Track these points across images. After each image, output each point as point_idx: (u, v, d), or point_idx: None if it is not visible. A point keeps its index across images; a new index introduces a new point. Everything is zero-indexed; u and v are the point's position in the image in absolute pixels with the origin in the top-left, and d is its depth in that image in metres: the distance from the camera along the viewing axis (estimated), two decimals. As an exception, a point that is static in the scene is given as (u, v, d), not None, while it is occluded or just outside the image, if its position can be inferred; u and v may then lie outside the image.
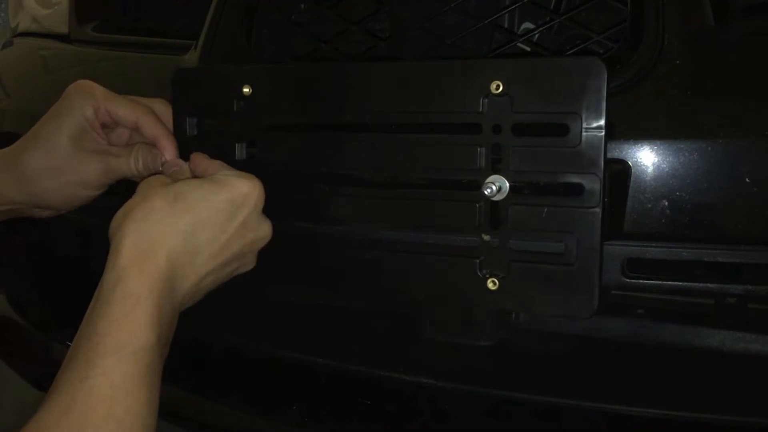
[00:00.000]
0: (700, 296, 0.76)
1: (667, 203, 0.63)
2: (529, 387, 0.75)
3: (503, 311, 0.80)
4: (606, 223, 0.58)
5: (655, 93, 0.64)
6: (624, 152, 0.63)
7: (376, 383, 0.81)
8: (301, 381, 0.85)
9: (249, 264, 0.66)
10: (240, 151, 0.71)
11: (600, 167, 0.57)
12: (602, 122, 0.57)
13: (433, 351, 0.83)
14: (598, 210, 0.58)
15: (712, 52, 0.64)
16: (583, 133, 0.57)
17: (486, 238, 0.62)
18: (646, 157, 0.63)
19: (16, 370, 1.13)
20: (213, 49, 0.85)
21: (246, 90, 0.69)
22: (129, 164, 0.70)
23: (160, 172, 0.70)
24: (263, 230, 0.64)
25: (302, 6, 0.88)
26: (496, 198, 0.61)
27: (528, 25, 0.79)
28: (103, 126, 0.72)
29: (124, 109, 0.70)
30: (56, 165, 0.70)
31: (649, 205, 0.63)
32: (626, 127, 0.63)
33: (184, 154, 0.71)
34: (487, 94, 0.60)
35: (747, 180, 0.60)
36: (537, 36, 0.77)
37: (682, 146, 0.62)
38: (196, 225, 0.59)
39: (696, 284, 0.67)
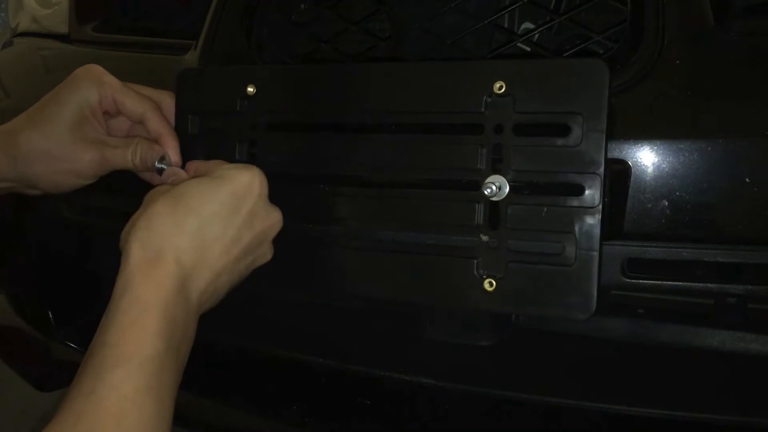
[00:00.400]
0: (700, 296, 0.76)
1: (667, 203, 0.63)
2: (529, 387, 0.75)
3: (501, 312, 0.80)
4: (606, 224, 0.58)
5: (655, 93, 0.64)
6: (624, 152, 0.63)
7: (376, 383, 0.81)
8: (301, 381, 0.85)
9: (266, 254, 0.65)
10: (241, 151, 0.71)
11: (601, 168, 0.57)
12: (604, 123, 0.57)
13: (433, 351, 0.83)
14: (598, 210, 0.58)
15: (712, 52, 0.64)
16: (585, 134, 0.57)
17: (484, 238, 0.62)
18: (646, 157, 0.63)
19: (17, 370, 1.13)
20: (213, 49, 0.85)
21: (250, 90, 0.70)
22: (125, 157, 0.69)
23: (156, 170, 0.70)
24: (273, 218, 0.64)
25: (302, 6, 0.88)
26: (496, 198, 0.61)
27: (528, 25, 0.79)
28: (105, 113, 0.71)
29: (132, 101, 0.70)
30: (51, 151, 0.69)
31: (649, 205, 0.63)
32: (626, 127, 0.63)
33: (184, 152, 0.71)
34: (490, 94, 0.60)
35: (747, 180, 0.60)
36: (537, 36, 0.77)
37: (682, 146, 0.62)
38: (201, 223, 0.58)
39: (696, 284, 0.67)
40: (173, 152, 0.70)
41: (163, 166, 0.70)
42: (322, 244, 0.68)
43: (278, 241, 0.66)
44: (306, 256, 0.69)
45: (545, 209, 0.59)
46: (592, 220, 0.58)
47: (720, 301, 0.74)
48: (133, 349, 0.51)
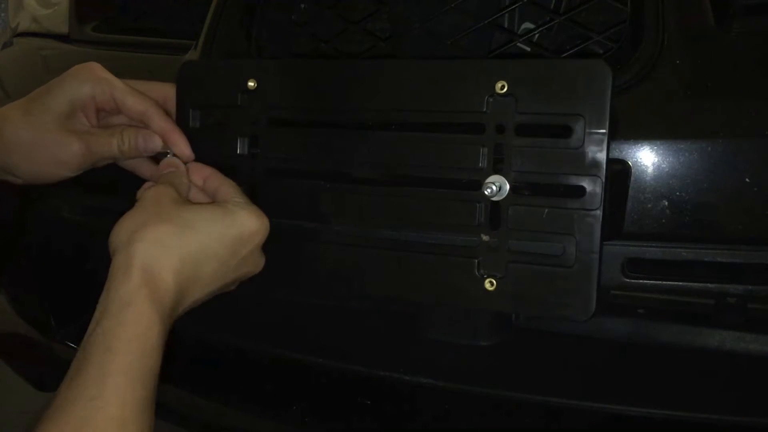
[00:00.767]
0: (700, 296, 0.76)
1: (667, 203, 0.63)
2: (529, 387, 0.75)
3: (502, 312, 0.80)
4: (606, 225, 0.58)
5: (655, 93, 0.64)
6: (624, 152, 0.63)
7: (376, 383, 0.81)
8: (301, 381, 0.85)
9: (232, 287, 0.67)
10: (242, 145, 0.71)
11: (602, 169, 0.57)
12: (605, 125, 0.57)
13: (433, 351, 0.83)
14: (598, 212, 0.58)
15: (712, 52, 0.64)
16: (587, 136, 0.57)
17: (485, 238, 0.62)
18: (646, 157, 0.63)
19: (17, 370, 1.13)
20: (213, 49, 0.85)
21: (251, 84, 0.70)
22: (112, 145, 0.68)
23: (155, 156, 0.69)
24: (258, 265, 0.66)
25: (302, 6, 0.88)
26: (496, 198, 0.61)
27: (528, 25, 0.79)
28: (102, 111, 0.71)
29: (133, 100, 0.69)
30: (32, 139, 0.68)
31: (649, 205, 0.63)
32: (626, 127, 0.63)
33: None
34: (492, 93, 0.60)
35: (747, 180, 0.60)
36: (537, 36, 0.77)
37: (682, 146, 0.62)
38: (203, 255, 0.60)
39: (696, 284, 0.67)
40: (184, 147, 0.69)
41: (167, 151, 0.69)
42: (322, 241, 0.68)
43: (277, 239, 0.66)
44: (305, 254, 0.69)
45: (546, 210, 0.59)
46: (593, 222, 0.58)
47: (720, 301, 0.74)
48: (138, 361, 0.53)
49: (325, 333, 0.89)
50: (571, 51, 0.73)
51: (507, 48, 0.75)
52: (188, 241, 0.59)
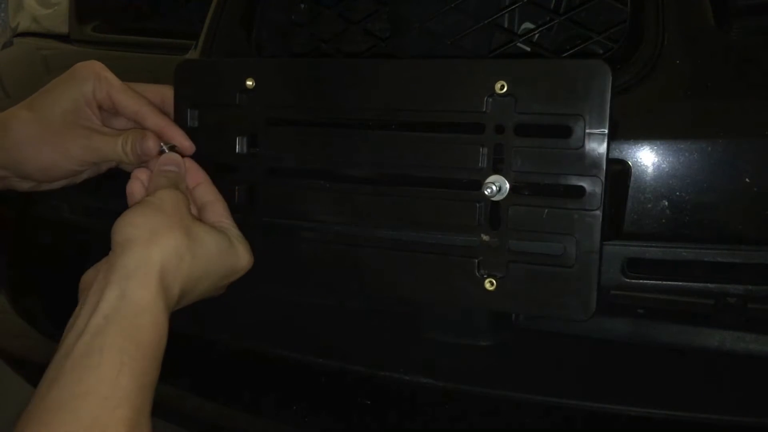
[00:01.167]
0: (700, 296, 0.76)
1: (667, 203, 0.63)
2: (529, 387, 0.75)
3: (501, 312, 0.80)
4: (606, 225, 0.58)
5: (655, 93, 0.64)
6: (624, 152, 0.63)
7: (376, 383, 0.81)
8: (301, 381, 0.85)
9: None
10: (241, 145, 0.71)
11: (602, 170, 0.57)
12: (605, 125, 0.57)
13: (433, 351, 0.83)
14: (598, 213, 0.57)
15: (712, 52, 0.64)
16: (586, 136, 0.57)
17: (485, 238, 0.62)
18: (646, 157, 0.63)
19: (17, 370, 1.13)
20: (213, 49, 0.85)
21: (249, 83, 0.69)
22: (116, 147, 0.69)
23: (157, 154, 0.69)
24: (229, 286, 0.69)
25: (302, 6, 0.88)
26: (496, 198, 0.61)
27: (528, 25, 0.79)
28: (101, 109, 0.71)
29: (127, 99, 0.70)
30: (40, 133, 0.69)
31: (649, 205, 0.63)
32: (626, 127, 0.63)
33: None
34: (492, 93, 0.60)
35: (747, 180, 0.60)
36: (537, 36, 0.77)
37: (682, 146, 0.62)
38: (204, 275, 0.62)
39: (696, 284, 0.67)
40: (182, 139, 0.70)
41: (165, 149, 0.69)
42: (321, 241, 0.68)
43: (277, 239, 0.66)
44: (305, 254, 0.69)
45: (546, 210, 0.59)
46: (593, 222, 0.58)
47: (720, 301, 0.74)
48: (150, 366, 0.54)
49: (325, 333, 0.89)
50: (571, 51, 0.73)
51: (507, 48, 0.75)
52: (198, 260, 0.60)
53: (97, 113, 0.71)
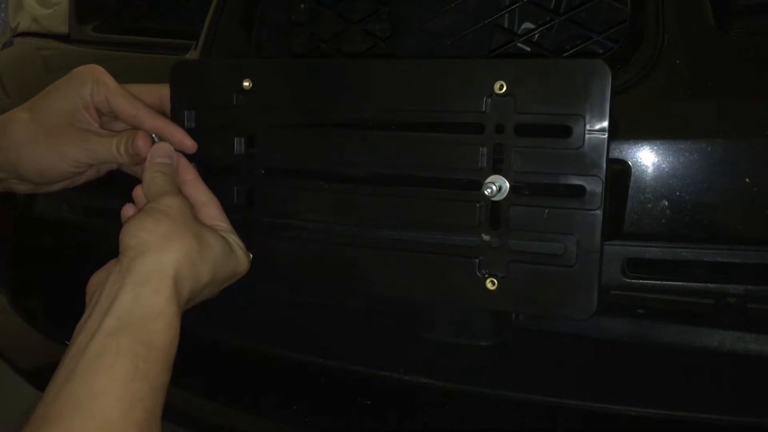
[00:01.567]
0: (700, 296, 0.76)
1: (667, 203, 0.63)
2: (529, 387, 0.75)
3: (502, 311, 0.80)
4: (606, 225, 0.58)
5: (655, 93, 0.64)
6: (624, 152, 0.63)
7: (376, 383, 0.81)
8: (301, 381, 0.85)
9: None
10: (239, 145, 0.71)
11: (602, 169, 0.57)
12: (605, 125, 0.56)
13: (433, 351, 0.83)
14: (599, 212, 0.57)
15: (712, 52, 0.64)
16: (586, 135, 0.57)
17: (486, 238, 0.62)
18: (646, 157, 0.63)
19: (17, 370, 1.13)
20: (213, 49, 0.85)
21: (246, 84, 0.69)
22: (110, 148, 0.69)
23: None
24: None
25: (302, 6, 0.88)
26: (497, 198, 0.61)
27: (528, 25, 0.79)
28: (101, 113, 0.71)
29: (124, 103, 0.70)
30: (36, 134, 0.69)
31: (649, 205, 0.63)
32: (626, 127, 0.63)
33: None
34: (491, 94, 0.60)
35: (747, 180, 0.60)
36: (537, 36, 0.77)
37: (682, 146, 0.62)
38: (210, 279, 0.62)
39: (696, 284, 0.67)
40: (183, 137, 0.70)
41: (155, 138, 0.69)
42: (320, 242, 0.68)
43: (277, 239, 0.66)
44: (304, 254, 0.69)
45: (546, 210, 0.59)
46: (594, 222, 0.58)
47: (720, 301, 0.74)
48: (162, 369, 0.55)
49: (325, 333, 0.89)
50: (571, 51, 0.73)
51: (507, 48, 0.75)
52: (208, 265, 0.61)
53: (95, 116, 0.71)
